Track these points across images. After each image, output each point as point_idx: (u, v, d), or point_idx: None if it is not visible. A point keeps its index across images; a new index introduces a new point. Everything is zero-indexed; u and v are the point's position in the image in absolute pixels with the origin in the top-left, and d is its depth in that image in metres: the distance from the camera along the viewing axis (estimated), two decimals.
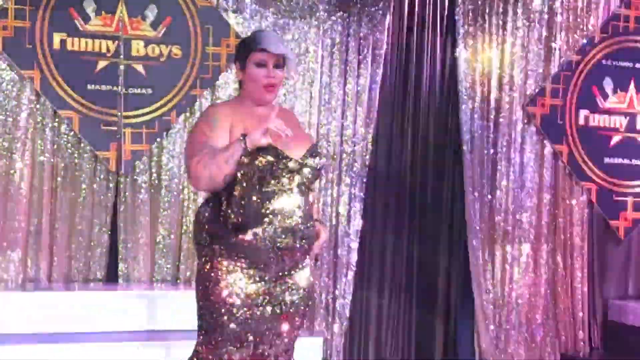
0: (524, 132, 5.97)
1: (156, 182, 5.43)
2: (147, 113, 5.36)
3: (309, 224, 3.12)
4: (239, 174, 3.01)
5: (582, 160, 6.09)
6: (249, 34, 5.22)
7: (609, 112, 6.18)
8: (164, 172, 5.43)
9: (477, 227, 5.86)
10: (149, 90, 5.35)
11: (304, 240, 3.09)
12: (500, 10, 5.88)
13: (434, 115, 6.06)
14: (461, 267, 6.02)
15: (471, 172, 5.86)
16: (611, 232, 6.25)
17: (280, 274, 3.11)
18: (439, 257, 6.09)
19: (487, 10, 5.86)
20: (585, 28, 6.08)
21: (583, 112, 6.11)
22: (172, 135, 5.44)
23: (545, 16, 5.97)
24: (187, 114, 5.46)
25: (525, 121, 5.98)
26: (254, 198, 3.01)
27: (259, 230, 3.01)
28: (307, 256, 3.20)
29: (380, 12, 5.67)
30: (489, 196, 5.90)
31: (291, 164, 3.05)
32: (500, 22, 5.89)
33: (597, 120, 6.14)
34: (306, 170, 3.11)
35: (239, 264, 3.04)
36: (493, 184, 5.90)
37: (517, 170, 5.94)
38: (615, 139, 6.21)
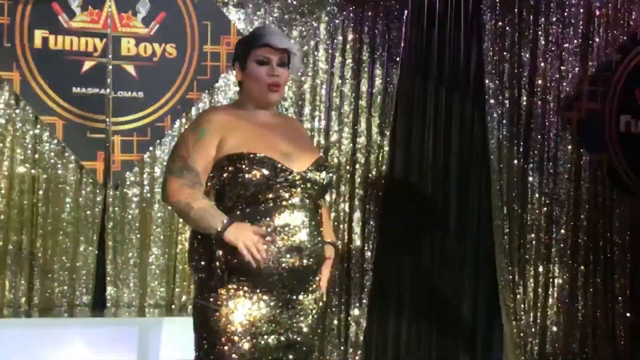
0: (558, 140, 5.91)
1: (148, 195, 5.43)
2: (139, 119, 5.36)
3: (317, 242, 3.10)
4: (228, 191, 3.02)
5: (624, 171, 6.02)
6: (250, 30, 5.28)
7: None
8: (157, 184, 5.39)
9: (507, 246, 5.81)
10: (141, 94, 5.34)
11: (311, 259, 3.06)
12: (532, 3, 5.83)
13: (458, 121, 6.00)
14: (488, 290, 5.96)
15: (499, 185, 5.82)
16: None
17: (287, 298, 3.07)
18: (464, 279, 6.02)
19: (517, 3, 5.81)
20: (626, 24, 5.98)
21: (624, 118, 6.00)
22: (165, 143, 5.43)
23: (582, 10, 5.91)
24: (183, 120, 5.45)
25: (560, 128, 5.91)
26: (251, 215, 2.98)
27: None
28: (317, 277, 3.17)
29: (398, 5, 5.69)
30: (520, 211, 5.85)
31: (291, 178, 3.02)
32: (532, 17, 5.84)
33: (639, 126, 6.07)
34: (310, 185, 3.08)
35: (240, 287, 3.00)
36: (524, 198, 5.87)
37: (550, 183, 5.90)
38: None
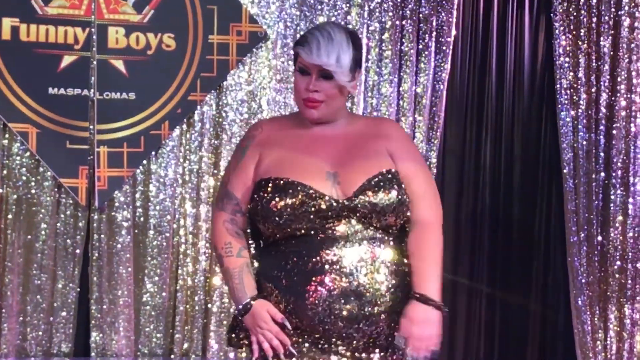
0: None
1: (141, 220, 5.47)
2: (130, 126, 5.36)
3: (390, 284, 2.96)
4: (261, 223, 3.01)
5: None
6: (266, 17, 5.67)
7: None
8: (152, 206, 5.46)
9: (583, 281, 5.77)
10: (132, 95, 5.36)
11: (376, 308, 2.93)
12: None
13: (522, 124, 6.00)
14: (562, 334, 5.90)
15: (575, 204, 5.77)
16: None
17: (350, 349, 2.99)
18: (529, 320, 5.99)
19: None
20: None
21: None
22: (163, 155, 5.47)
23: None
24: (184, 127, 5.51)
25: None
26: (290, 249, 2.96)
27: (307, 293, 2.90)
28: (391, 331, 3.01)
29: None
30: (600, 237, 5.79)
31: (327, 205, 2.93)
32: None
33: None
34: (362, 212, 2.95)
35: (296, 326, 2.99)
36: (605, 220, 5.79)
37: (638, 201, 5.80)
38: None
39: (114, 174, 5.31)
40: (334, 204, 2.94)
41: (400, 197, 3.00)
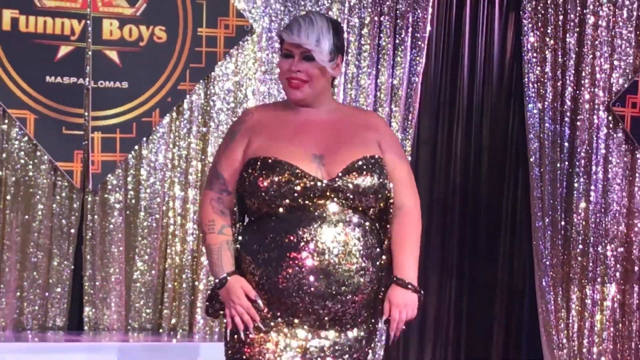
0: (608, 140, 6.06)
1: (133, 202, 5.56)
2: (122, 113, 5.47)
3: (360, 267, 3.09)
4: (247, 200, 3.16)
5: None
6: (252, 11, 5.64)
7: None
8: (143, 189, 5.55)
9: (548, 263, 5.92)
10: (125, 84, 5.47)
11: (344, 288, 3.07)
12: None
13: (492, 116, 6.16)
14: (526, 315, 6.12)
15: (540, 191, 5.94)
16: None
17: (315, 325, 3.14)
18: (497, 301, 6.17)
19: None
20: None
21: None
22: (153, 141, 5.56)
23: None
24: (174, 115, 5.57)
25: (611, 125, 6.08)
26: (270, 225, 3.11)
27: (281, 267, 3.06)
28: (363, 314, 3.17)
29: None
30: (563, 222, 5.99)
31: (312, 184, 3.08)
32: None
33: None
34: (343, 194, 3.10)
35: (267, 300, 3.13)
36: (569, 207, 5.98)
37: (599, 189, 6.03)
38: None
39: (107, 158, 5.40)
40: (318, 183, 3.06)
41: (381, 180, 3.11)
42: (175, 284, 5.58)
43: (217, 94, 5.63)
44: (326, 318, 3.08)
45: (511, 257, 6.15)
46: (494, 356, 6.19)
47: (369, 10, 5.76)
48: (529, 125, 5.96)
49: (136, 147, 5.53)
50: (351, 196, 3.09)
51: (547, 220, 5.96)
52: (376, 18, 5.76)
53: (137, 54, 5.47)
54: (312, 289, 3.03)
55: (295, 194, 3.06)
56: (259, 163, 3.09)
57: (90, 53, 5.35)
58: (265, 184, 3.06)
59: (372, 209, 3.16)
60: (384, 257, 3.17)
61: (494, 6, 6.09)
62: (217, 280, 3.13)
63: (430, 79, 5.98)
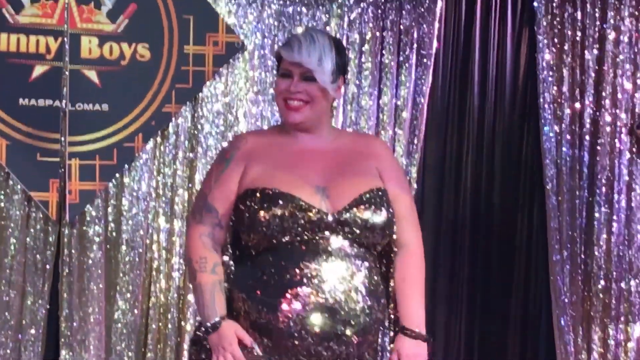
0: (632, 166, 5.95)
1: (114, 234, 5.53)
2: (102, 138, 5.44)
3: (366, 307, 3.05)
4: (244, 235, 3.09)
5: None
6: (243, 27, 5.67)
7: None
8: (125, 220, 5.53)
9: (566, 301, 5.86)
10: (105, 106, 5.44)
11: (349, 328, 3.01)
12: None
13: (504, 140, 6.10)
14: (542, 356, 6.01)
15: (557, 222, 5.87)
16: None
17: None
18: (510, 342, 6.09)
19: None
20: None
21: None
22: (136, 168, 5.55)
23: None
24: (159, 139, 5.57)
25: (634, 150, 5.95)
26: (269, 261, 3.04)
27: (281, 305, 2.99)
28: (369, 354, 3.12)
29: None
30: (583, 256, 5.91)
31: (318, 218, 3.03)
32: (598, 10, 5.87)
33: None
34: (350, 228, 3.06)
35: (262, 343, 3.06)
36: (589, 239, 5.91)
37: (622, 219, 5.92)
38: None
39: (86, 187, 5.38)
40: (324, 216, 3.02)
41: (389, 216, 3.10)
42: (160, 324, 5.55)
43: (205, 117, 5.60)
44: None
45: (526, 294, 6.07)
46: None
47: (370, 25, 5.76)
48: (545, 150, 5.88)
49: (117, 174, 5.51)
50: (358, 231, 3.05)
51: (565, 253, 5.90)
52: (378, 33, 5.77)
53: (118, 74, 5.45)
54: (317, 329, 2.97)
55: (300, 228, 3.01)
56: (258, 194, 3.04)
57: (67, 73, 5.32)
58: (267, 217, 3.01)
59: (377, 245, 3.14)
60: (386, 296, 3.16)
61: (506, 21, 6.00)
62: (208, 324, 3.04)
63: (437, 99, 5.90)
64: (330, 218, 3.03)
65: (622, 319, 5.88)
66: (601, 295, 5.88)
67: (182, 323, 5.55)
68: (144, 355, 5.53)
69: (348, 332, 3.00)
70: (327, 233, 3.03)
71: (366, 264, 3.08)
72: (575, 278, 5.88)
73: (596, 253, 5.90)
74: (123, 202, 5.50)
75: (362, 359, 3.08)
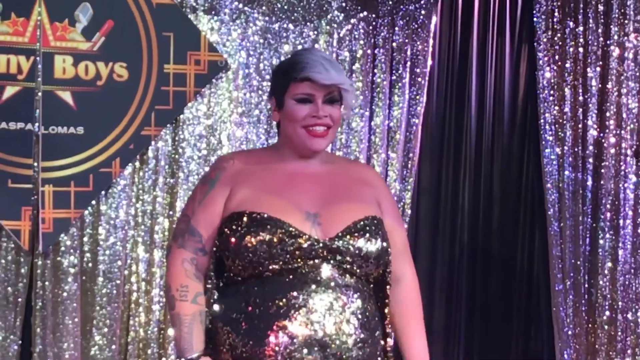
0: (638, 189, 5.93)
1: (90, 265, 5.52)
2: (77, 163, 5.42)
3: (359, 340, 2.98)
4: (229, 260, 3.01)
5: None
6: (227, 45, 5.69)
7: None
8: (101, 250, 5.52)
9: (570, 333, 5.85)
10: (80, 129, 5.41)
11: (366, 332, 2.98)
12: (601, 8, 5.89)
13: (503, 163, 6.16)
14: None
15: (560, 249, 5.87)
16: None
17: None
18: None
19: (580, 9, 5.89)
20: None
21: None
22: (114, 195, 5.53)
23: None
24: (137, 164, 5.58)
25: None
26: (254, 290, 2.97)
27: (268, 338, 2.91)
28: None
29: (423, 11, 5.79)
30: (587, 285, 5.89)
31: (308, 245, 2.96)
32: (602, 27, 5.89)
33: None
34: (342, 257, 2.99)
35: None
36: (593, 268, 5.90)
37: (628, 247, 5.88)
38: None
39: (60, 215, 5.36)
40: (315, 244, 2.96)
41: (385, 245, 3.05)
42: None
43: (186, 140, 5.60)
44: None
45: (527, 326, 6.13)
46: None
47: (361, 42, 5.81)
48: (546, 173, 5.89)
49: (93, 202, 5.50)
50: (350, 259, 3.00)
51: (568, 283, 5.90)
52: (369, 51, 5.81)
53: (94, 95, 5.43)
54: None
55: (288, 255, 2.95)
56: (244, 218, 2.98)
57: (40, 94, 5.31)
58: (254, 242, 2.94)
59: (370, 276, 3.08)
60: (380, 329, 3.08)
61: (505, 38, 6.11)
62: (183, 359, 3.01)
63: (432, 120, 5.96)
64: (321, 245, 2.97)
65: (629, 352, 5.89)
66: (606, 327, 5.88)
67: (163, 359, 5.54)
68: None
69: None
70: (317, 261, 2.96)
71: (359, 294, 3.01)
72: (579, 309, 5.89)
73: (601, 282, 5.88)
74: (100, 231, 5.48)
75: None
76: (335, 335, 2.92)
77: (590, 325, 5.89)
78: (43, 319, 5.37)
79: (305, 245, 2.95)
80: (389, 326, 3.15)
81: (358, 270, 3.02)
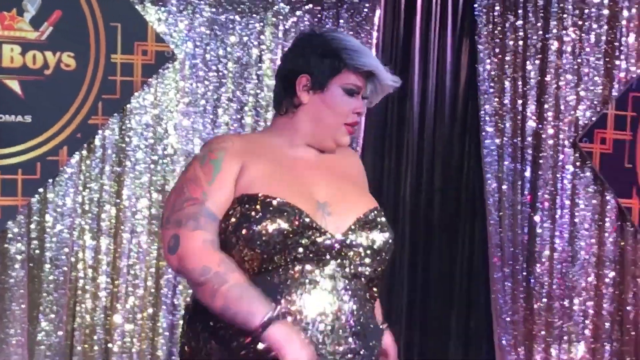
0: (575, 180, 6.09)
1: (37, 252, 5.57)
2: (25, 151, 5.50)
3: (348, 349, 2.82)
4: (234, 247, 2.81)
5: None
6: (174, 35, 5.72)
7: None
8: (48, 238, 5.57)
9: (508, 319, 5.97)
10: (28, 118, 5.49)
11: (359, 342, 2.83)
12: (540, 3, 6.02)
13: (445, 154, 6.23)
14: None
15: (499, 238, 6.00)
16: None
17: None
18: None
19: (520, 3, 6.01)
20: None
21: None
22: (61, 183, 5.59)
23: (606, 12, 6.07)
24: (84, 153, 5.63)
25: (578, 163, 6.11)
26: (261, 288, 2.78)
27: (255, 343, 2.76)
28: None
29: (367, 3, 5.88)
30: (525, 273, 6.01)
31: (322, 240, 2.82)
32: (541, 21, 6.03)
33: None
34: (354, 252, 2.86)
35: None
36: (531, 256, 6.02)
37: (565, 236, 6.05)
38: None
39: (7, 203, 5.43)
40: (328, 238, 2.83)
41: (392, 237, 2.96)
42: (86, 346, 5.62)
43: (133, 129, 5.67)
44: None
45: (467, 313, 6.19)
46: None
47: None
48: (486, 163, 6.02)
49: (40, 189, 5.56)
50: (362, 253, 2.86)
51: (506, 270, 6.03)
52: None
53: (41, 84, 5.49)
54: None
55: (300, 249, 2.80)
56: (258, 203, 2.81)
57: None
58: (271, 230, 2.77)
59: (375, 273, 2.93)
60: (377, 335, 2.97)
61: (447, 31, 6.15)
62: (267, 317, 2.70)
63: (375, 112, 5.88)
64: (335, 240, 2.85)
65: (565, 338, 6.04)
66: (543, 314, 6.01)
67: (109, 345, 5.61)
68: None
69: (361, 344, 2.85)
70: (323, 259, 2.84)
71: (357, 299, 2.89)
72: (517, 296, 6.00)
73: (538, 270, 6.02)
74: (47, 218, 5.55)
75: None
76: (322, 345, 2.80)
77: (527, 312, 6.02)
78: None
79: (319, 240, 2.84)
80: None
81: (366, 268, 2.89)
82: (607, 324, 6.11)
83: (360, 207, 2.92)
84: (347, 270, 2.84)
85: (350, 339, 2.81)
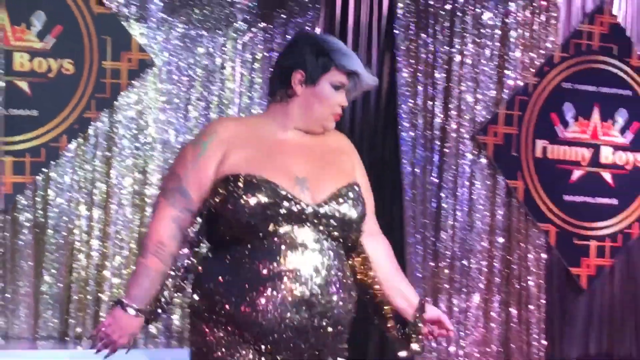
0: (473, 165, 6.60)
1: (41, 220, 5.92)
2: (32, 139, 5.87)
3: (340, 298, 2.97)
4: (221, 222, 2.98)
5: (539, 198, 6.75)
6: (153, 46, 6.08)
7: (570, 142, 6.86)
8: (50, 208, 5.93)
9: (420, 275, 6.45)
10: (35, 112, 5.87)
11: (325, 321, 2.95)
12: (447, 24, 6.49)
13: (370, 144, 6.59)
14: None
15: (412, 211, 6.49)
16: (572, 281, 6.94)
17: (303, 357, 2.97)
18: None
19: (431, 24, 6.47)
20: (543, 46, 6.78)
21: (540, 143, 6.81)
22: (61, 165, 5.95)
23: (498, 32, 6.61)
24: (80, 140, 5.97)
25: (475, 152, 6.64)
26: (244, 254, 2.95)
27: (259, 299, 2.90)
28: (341, 345, 3.09)
29: (309, 23, 6.33)
30: (433, 239, 6.51)
31: (298, 209, 2.93)
32: (447, 39, 6.52)
33: (556, 152, 6.84)
34: (327, 221, 2.97)
35: (242, 335, 2.97)
36: (437, 225, 6.50)
37: (465, 209, 6.56)
38: (577, 173, 6.89)
39: (17, 180, 5.78)
40: (304, 208, 2.92)
41: (364, 211, 3.04)
42: (81, 295, 5.98)
43: (120, 122, 6.05)
44: (306, 355, 2.99)
45: None
46: (368, 356, 6.59)
47: (260, 47, 6.31)
48: (403, 152, 6.48)
49: (45, 170, 5.90)
50: (335, 224, 2.98)
51: (418, 237, 6.47)
52: (267, 54, 6.31)
53: (46, 85, 5.85)
54: (296, 322, 2.91)
55: (280, 218, 2.92)
56: (241, 181, 2.93)
57: (2, 83, 5.75)
58: (251, 204, 2.89)
59: (348, 240, 3.07)
60: (354, 289, 3.09)
61: (372, 45, 6.60)
62: (125, 301, 2.98)
63: None
64: (309, 210, 2.94)
65: (464, 290, 6.55)
66: (447, 271, 6.52)
67: (100, 295, 5.93)
68: (66, 321, 5.91)
69: (325, 324, 2.95)
70: (305, 225, 2.93)
71: (339, 258, 3.00)
72: (427, 257, 6.49)
73: (443, 236, 6.52)
74: (49, 193, 5.88)
75: (336, 349, 3.04)
76: (321, 296, 2.91)
77: (435, 270, 6.49)
78: (4, 263, 5.80)
79: (295, 210, 2.91)
80: (370, 281, 3.13)
81: (340, 235, 3.00)
82: (497, 279, 6.66)
83: (337, 181, 3.02)
84: (328, 235, 2.97)
85: (340, 290, 2.97)
